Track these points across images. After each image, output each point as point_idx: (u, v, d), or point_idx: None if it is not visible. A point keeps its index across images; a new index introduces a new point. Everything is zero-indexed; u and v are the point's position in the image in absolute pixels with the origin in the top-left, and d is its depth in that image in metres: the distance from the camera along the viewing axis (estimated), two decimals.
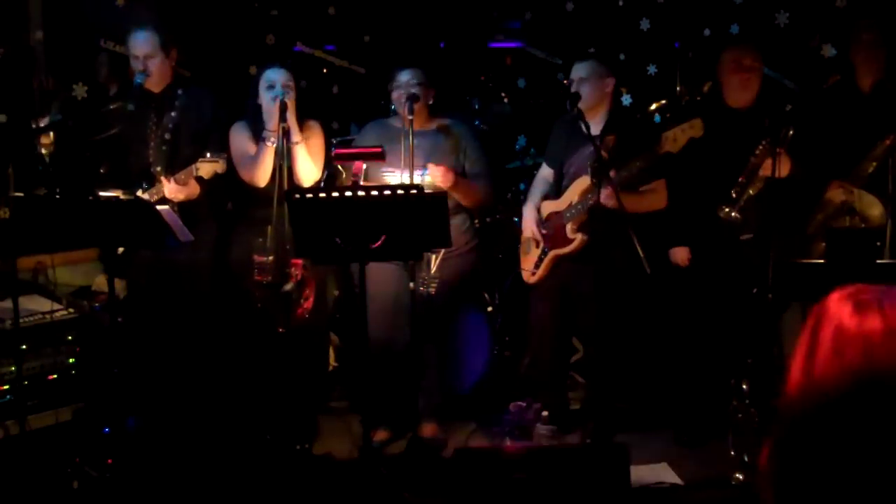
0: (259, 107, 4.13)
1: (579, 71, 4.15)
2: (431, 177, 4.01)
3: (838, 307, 1.63)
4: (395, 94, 4.18)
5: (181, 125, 4.20)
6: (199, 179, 4.06)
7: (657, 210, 4.16)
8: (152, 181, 4.13)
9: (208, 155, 3.94)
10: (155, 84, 4.19)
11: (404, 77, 4.15)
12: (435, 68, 4.39)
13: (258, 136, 4.13)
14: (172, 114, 4.20)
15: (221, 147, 4.12)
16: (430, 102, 4.22)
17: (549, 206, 4.27)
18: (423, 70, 4.19)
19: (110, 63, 4.95)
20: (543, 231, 4.25)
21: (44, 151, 5.06)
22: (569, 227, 4.13)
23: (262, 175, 4.10)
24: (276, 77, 4.07)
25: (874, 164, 3.94)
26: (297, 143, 4.06)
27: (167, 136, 4.19)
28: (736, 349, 3.96)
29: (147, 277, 4.26)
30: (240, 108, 4.30)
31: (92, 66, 5.03)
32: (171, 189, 4.01)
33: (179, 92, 4.25)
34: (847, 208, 3.98)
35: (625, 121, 4.25)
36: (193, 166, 3.95)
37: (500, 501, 2.92)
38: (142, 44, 4.12)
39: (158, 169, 4.15)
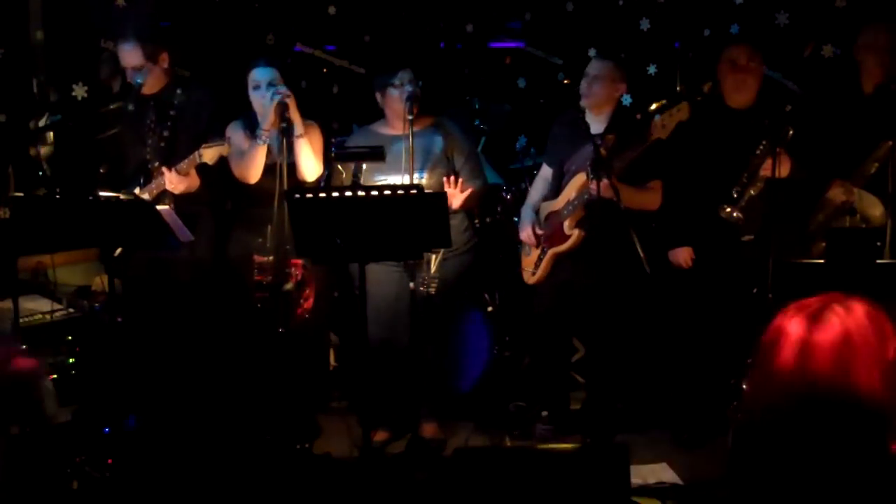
0: None
1: (596, 68, 4.15)
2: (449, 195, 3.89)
3: (794, 323, 1.68)
4: (394, 94, 4.16)
5: (179, 123, 4.21)
6: (202, 169, 4.05)
7: (650, 210, 4.17)
8: (149, 177, 4.13)
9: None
10: (150, 88, 4.21)
11: (406, 76, 4.14)
12: (427, 68, 4.38)
13: (253, 132, 4.13)
14: (171, 112, 4.21)
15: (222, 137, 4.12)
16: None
17: (548, 207, 4.26)
18: (413, 70, 4.19)
19: (114, 61, 4.95)
20: (541, 231, 4.25)
21: (43, 152, 5.06)
22: (566, 223, 4.12)
23: (254, 173, 4.10)
24: (261, 77, 4.07)
25: (876, 164, 3.94)
26: (300, 136, 4.05)
27: (165, 133, 4.19)
28: (736, 349, 3.96)
29: (143, 276, 4.25)
30: (238, 107, 4.30)
31: (92, 66, 5.03)
32: (171, 179, 4.01)
33: (178, 91, 4.26)
34: (847, 208, 3.98)
35: (626, 120, 4.25)
36: (196, 153, 3.95)
37: (500, 501, 2.91)
38: (127, 57, 4.15)
39: (156, 164, 4.15)
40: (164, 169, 4.02)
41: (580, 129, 4.04)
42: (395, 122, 4.19)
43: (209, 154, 3.93)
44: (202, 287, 4.30)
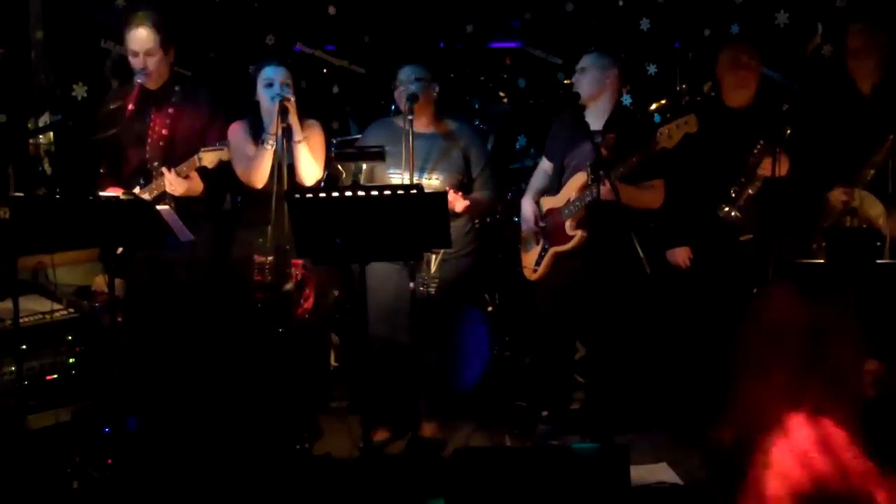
0: (258, 104, 4.13)
1: (582, 62, 4.19)
2: (450, 202, 3.88)
3: (784, 295, 1.69)
4: (397, 93, 4.19)
5: (179, 121, 4.21)
6: (203, 172, 4.05)
7: (652, 209, 4.17)
8: (150, 177, 4.13)
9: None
10: (153, 81, 4.20)
11: (404, 74, 4.15)
12: (437, 64, 4.39)
13: (258, 135, 4.12)
14: (170, 110, 4.21)
15: (221, 139, 4.12)
16: (435, 97, 4.22)
17: (549, 202, 4.27)
18: (424, 65, 4.19)
19: (119, 62, 4.95)
20: (542, 225, 4.25)
21: (42, 151, 5.06)
22: (568, 223, 4.12)
23: (260, 177, 4.09)
24: (274, 75, 4.06)
25: (872, 171, 3.93)
26: (298, 141, 4.05)
27: (164, 131, 4.19)
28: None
29: (144, 276, 4.25)
30: (239, 107, 4.29)
31: (92, 66, 5.03)
32: (171, 181, 4.01)
33: (177, 88, 4.26)
34: (848, 209, 3.98)
35: (626, 119, 4.25)
36: (196, 157, 3.96)
37: (500, 501, 2.92)
38: (142, 40, 4.13)
39: (156, 164, 4.15)
40: (163, 169, 4.02)
41: (580, 125, 4.04)
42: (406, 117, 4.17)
43: (209, 157, 3.94)
44: (202, 287, 4.30)
